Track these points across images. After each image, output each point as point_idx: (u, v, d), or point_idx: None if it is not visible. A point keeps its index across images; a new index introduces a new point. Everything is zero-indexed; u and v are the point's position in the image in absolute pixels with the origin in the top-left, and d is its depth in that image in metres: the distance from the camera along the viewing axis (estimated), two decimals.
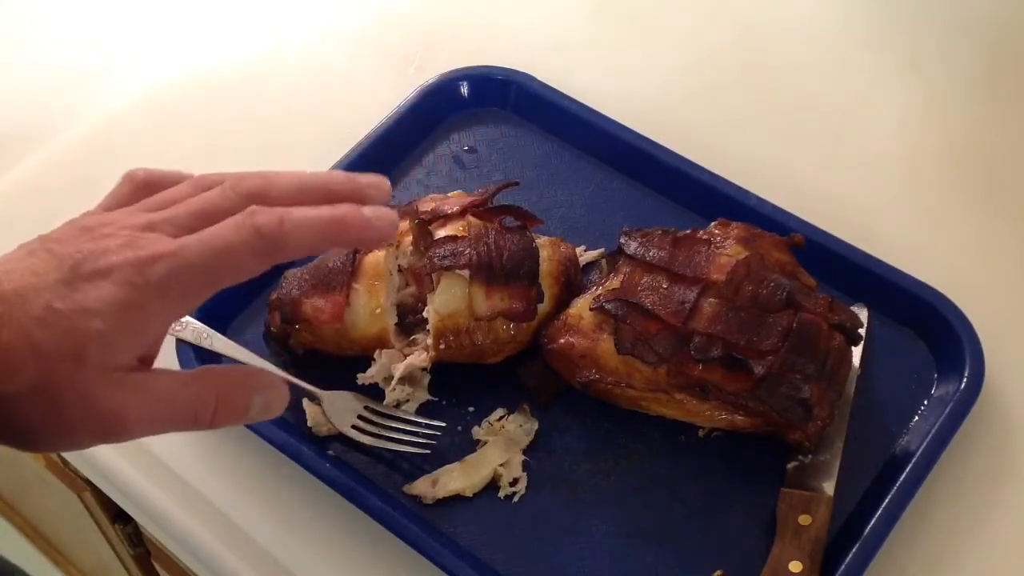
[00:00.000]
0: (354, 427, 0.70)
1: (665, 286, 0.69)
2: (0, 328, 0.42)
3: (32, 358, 0.42)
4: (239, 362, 0.72)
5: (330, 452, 0.70)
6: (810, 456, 0.69)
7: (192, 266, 0.44)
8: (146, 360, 0.47)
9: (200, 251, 0.45)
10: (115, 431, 0.44)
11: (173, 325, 0.72)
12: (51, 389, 0.42)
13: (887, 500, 0.66)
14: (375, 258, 0.72)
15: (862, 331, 0.70)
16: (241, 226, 0.45)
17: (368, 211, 0.47)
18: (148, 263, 0.44)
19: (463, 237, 0.71)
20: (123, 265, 0.44)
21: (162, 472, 0.71)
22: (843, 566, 0.63)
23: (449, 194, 0.77)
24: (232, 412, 0.48)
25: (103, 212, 0.49)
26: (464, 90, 0.88)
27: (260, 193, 0.48)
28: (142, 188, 0.51)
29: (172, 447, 0.72)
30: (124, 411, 0.44)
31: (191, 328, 0.72)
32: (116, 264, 0.44)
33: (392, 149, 0.85)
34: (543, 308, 0.72)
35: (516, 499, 0.69)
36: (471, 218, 0.73)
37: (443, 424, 0.71)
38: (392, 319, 0.72)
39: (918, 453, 0.68)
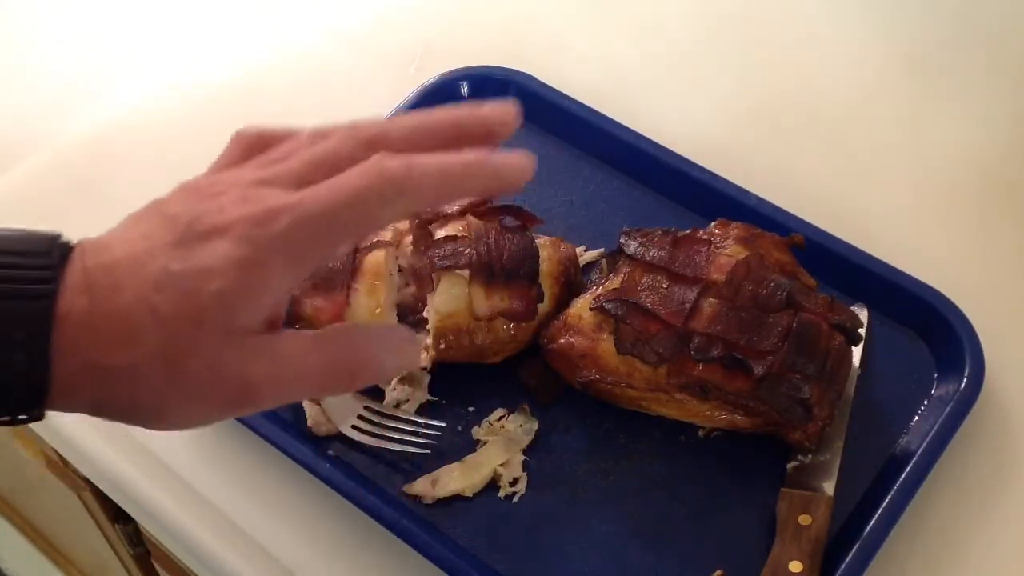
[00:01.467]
0: (354, 427, 0.70)
1: (665, 286, 0.69)
2: (119, 293, 0.40)
3: (152, 323, 0.40)
4: None
5: (330, 452, 0.70)
6: (810, 456, 0.69)
7: (316, 217, 0.41)
8: (272, 323, 0.43)
9: (324, 201, 0.42)
10: (244, 398, 0.42)
11: None
12: (173, 354, 0.40)
13: (887, 500, 0.66)
14: (375, 258, 0.72)
15: (862, 331, 0.70)
16: (366, 172, 0.42)
17: (497, 159, 0.44)
18: (268, 217, 0.41)
19: (463, 237, 0.71)
20: (240, 221, 0.41)
21: (162, 472, 0.71)
22: (843, 566, 0.63)
23: None
24: (364, 374, 0.45)
25: (214, 173, 0.46)
26: (464, 90, 0.88)
27: (381, 137, 0.44)
28: (254, 147, 0.48)
29: (172, 447, 0.72)
30: (252, 376, 0.42)
31: None
32: (233, 220, 0.41)
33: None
34: (543, 308, 0.72)
35: (516, 499, 0.69)
36: (471, 218, 0.73)
37: (443, 424, 0.71)
38: (392, 319, 0.72)
39: (918, 453, 0.68)
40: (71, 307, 0.40)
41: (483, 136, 0.45)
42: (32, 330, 0.40)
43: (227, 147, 0.48)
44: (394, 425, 0.70)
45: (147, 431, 0.66)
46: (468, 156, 0.44)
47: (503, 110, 0.46)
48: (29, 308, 0.40)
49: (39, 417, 0.41)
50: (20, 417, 0.41)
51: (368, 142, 0.44)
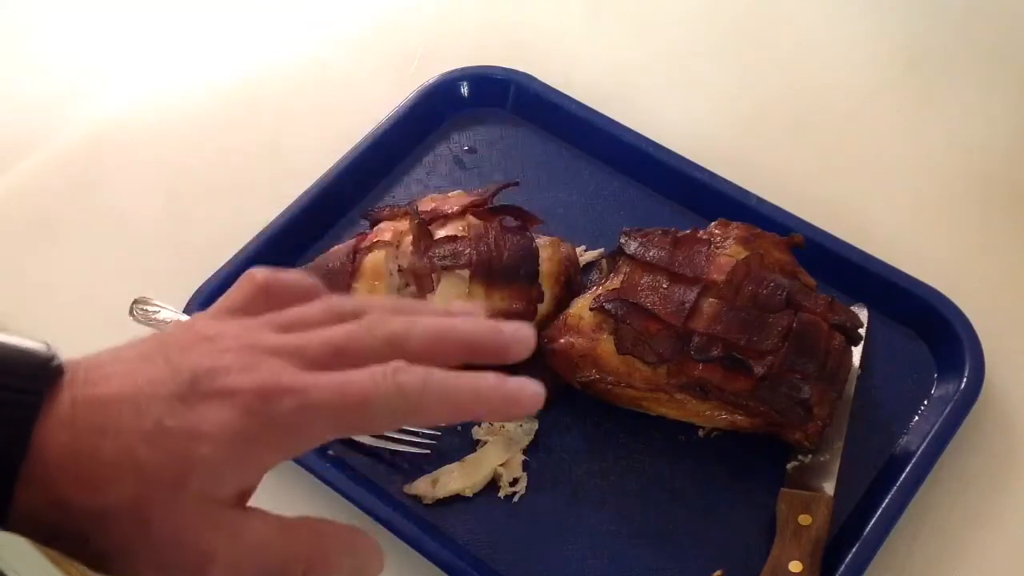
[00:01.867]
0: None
1: (665, 286, 0.69)
2: (104, 439, 0.39)
3: (132, 475, 0.39)
4: None
5: (330, 452, 0.70)
6: (810, 456, 0.69)
7: (320, 408, 0.41)
8: (244, 496, 0.43)
9: (333, 396, 0.41)
10: (197, 569, 0.40)
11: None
12: (144, 511, 0.39)
13: (887, 500, 0.66)
14: (375, 258, 0.72)
15: (862, 331, 0.70)
16: (381, 382, 0.41)
17: (511, 389, 0.43)
18: (273, 395, 0.40)
19: (463, 237, 0.71)
20: (246, 391, 0.40)
21: None
22: (843, 566, 0.63)
23: (449, 194, 0.77)
24: (323, 570, 0.43)
25: (223, 318, 0.45)
26: (464, 90, 0.88)
27: (400, 340, 0.43)
28: (262, 292, 0.46)
29: None
30: (212, 553, 0.40)
31: None
32: (238, 388, 0.40)
33: (392, 149, 0.85)
34: (543, 308, 0.72)
35: (516, 499, 0.69)
36: (471, 218, 0.73)
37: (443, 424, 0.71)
38: None
39: (918, 453, 0.68)
40: (49, 439, 0.39)
41: (499, 355, 0.45)
42: (5, 456, 0.38)
43: (236, 287, 0.46)
44: None
45: None
46: (482, 382, 0.43)
47: (524, 335, 0.46)
48: (2, 434, 0.39)
49: None
50: None
51: (388, 341, 0.43)
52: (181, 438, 0.40)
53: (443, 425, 0.71)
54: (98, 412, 0.40)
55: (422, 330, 0.44)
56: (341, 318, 0.44)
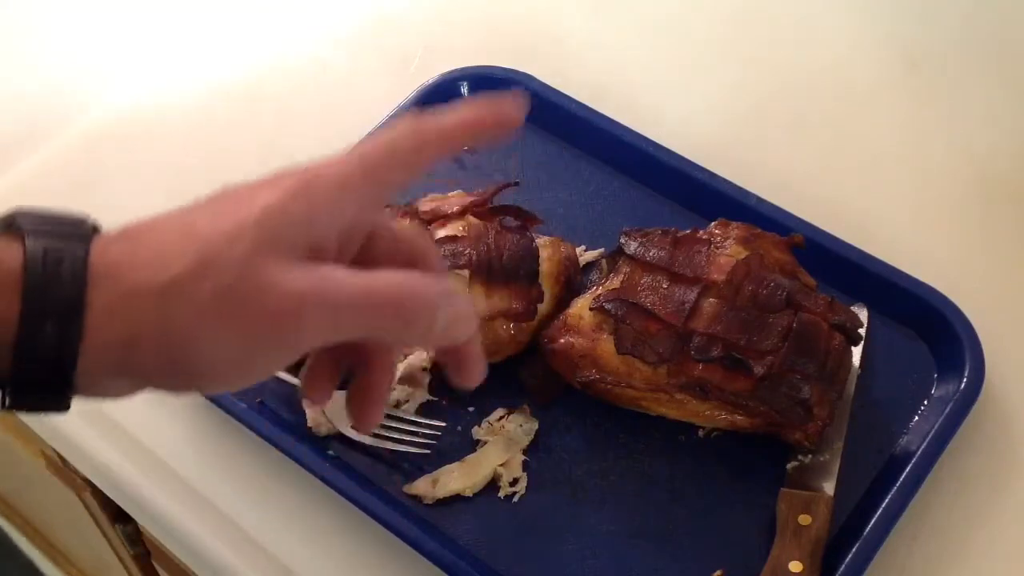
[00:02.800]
0: (354, 427, 0.70)
1: (665, 286, 0.69)
2: (156, 230, 0.40)
3: (192, 242, 0.39)
4: None
5: (330, 452, 0.70)
6: (810, 456, 0.69)
7: (380, 184, 0.43)
8: (317, 255, 0.41)
9: (362, 159, 0.43)
10: (287, 318, 0.38)
11: None
12: (212, 269, 0.38)
13: (887, 500, 0.66)
14: None
15: (862, 331, 0.70)
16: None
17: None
18: (316, 167, 0.42)
19: (463, 237, 0.71)
20: (292, 172, 0.42)
21: (162, 472, 0.71)
22: (843, 566, 0.63)
23: (449, 194, 0.77)
24: (417, 318, 0.41)
25: None
26: (464, 90, 0.88)
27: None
28: None
29: (172, 447, 0.72)
30: (299, 295, 0.39)
31: None
32: (287, 174, 0.42)
33: None
34: (543, 308, 0.72)
35: (516, 499, 0.69)
36: (471, 218, 0.73)
37: (443, 424, 0.71)
38: None
39: (918, 453, 0.68)
40: (107, 247, 0.39)
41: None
42: (70, 265, 0.38)
43: None
44: (394, 425, 0.70)
45: (148, 432, 0.66)
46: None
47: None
48: (67, 248, 0.38)
49: (70, 369, 0.38)
50: (49, 370, 0.38)
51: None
52: (238, 204, 0.40)
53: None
54: (154, 221, 0.41)
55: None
56: None
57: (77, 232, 0.40)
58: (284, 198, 0.40)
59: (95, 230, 0.41)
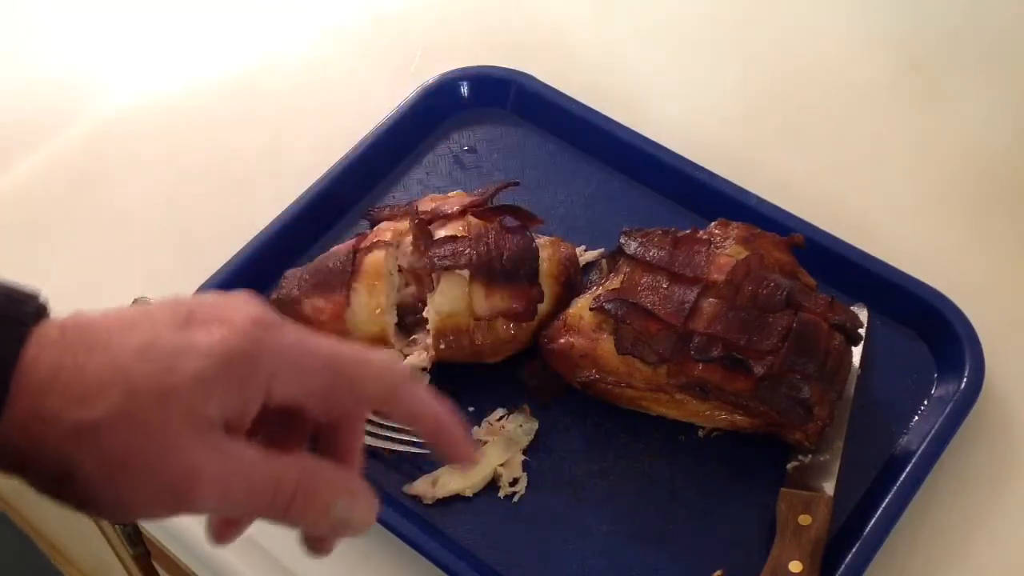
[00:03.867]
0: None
1: (665, 286, 0.69)
2: (93, 353, 0.39)
3: (119, 386, 0.39)
4: None
5: None
6: (810, 456, 0.69)
7: (313, 352, 0.42)
8: (233, 429, 0.42)
9: (328, 347, 0.43)
10: (184, 490, 0.39)
11: None
12: (130, 423, 0.38)
13: (887, 500, 0.66)
14: (375, 258, 0.72)
15: (862, 331, 0.70)
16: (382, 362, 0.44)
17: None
18: (271, 326, 0.41)
19: (463, 237, 0.71)
20: (243, 319, 0.41)
21: None
22: (843, 566, 0.63)
23: (449, 194, 0.77)
24: (311, 506, 0.42)
25: None
26: (464, 90, 0.88)
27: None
28: None
29: None
30: (198, 470, 0.39)
31: None
32: (236, 317, 0.41)
33: (392, 149, 0.85)
34: (543, 308, 0.72)
35: (516, 499, 0.69)
36: (471, 218, 0.73)
37: None
38: (392, 319, 0.72)
39: (918, 453, 0.68)
40: (38, 357, 0.39)
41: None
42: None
43: None
44: (394, 425, 0.70)
45: None
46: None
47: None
48: None
49: None
50: None
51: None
52: (172, 352, 0.39)
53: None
54: (88, 334, 0.40)
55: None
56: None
57: (16, 321, 0.39)
58: (222, 367, 0.40)
59: (38, 316, 0.40)
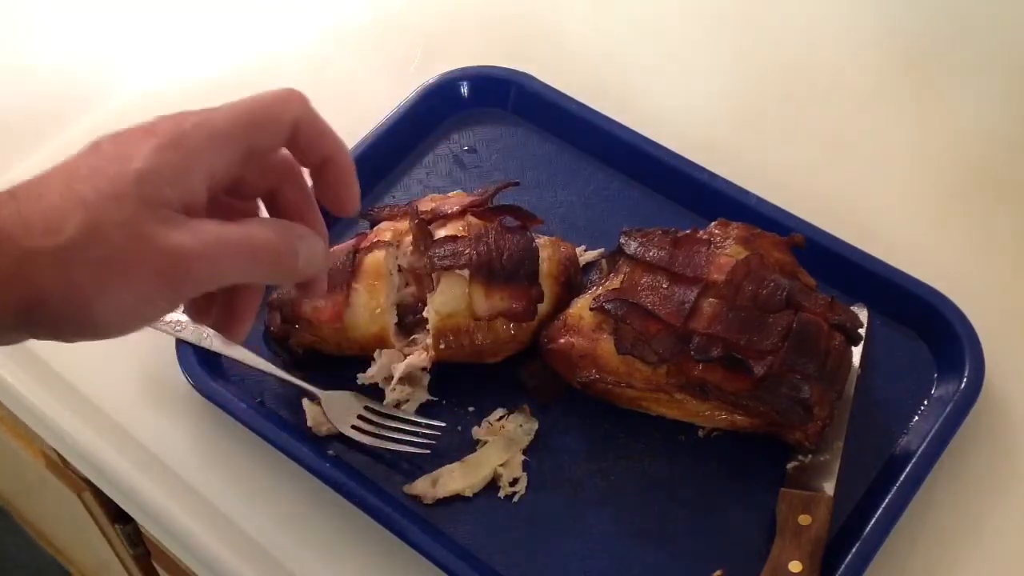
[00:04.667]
0: (354, 427, 0.70)
1: (665, 286, 0.69)
2: (45, 193, 0.43)
3: (78, 206, 0.42)
4: (239, 362, 0.72)
5: (330, 452, 0.70)
6: (810, 456, 0.69)
7: (234, 121, 0.46)
8: (192, 210, 0.45)
9: (241, 114, 0.47)
10: (174, 270, 0.43)
11: (173, 325, 0.72)
12: (100, 231, 0.42)
13: (887, 500, 0.66)
14: (375, 258, 0.72)
15: (862, 331, 0.70)
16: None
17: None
18: (180, 117, 0.46)
19: (463, 237, 0.71)
20: (156, 123, 0.45)
21: (162, 472, 0.71)
22: (843, 566, 0.63)
23: (449, 194, 0.77)
24: (284, 258, 0.47)
25: None
26: (464, 90, 0.88)
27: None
28: None
29: (172, 446, 0.72)
30: (181, 246, 0.43)
31: (191, 328, 0.72)
32: (161, 124, 0.45)
33: (392, 149, 0.85)
34: (543, 308, 0.72)
35: (516, 499, 0.69)
36: (471, 218, 0.73)
37: (443, 424, 0.71)
38: (392, 319, 0.72)
39: (918, 453, 0.68)
40: None
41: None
42: None
43: None
44: (394, 425, 0.70)
45: (148, 432, 0.66)
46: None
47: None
48: None
49: None
50: None
51: None
52: (113, 163, 0.43)
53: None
54: (37, 183, 0.44)
55: None
56: None
57: None
58: (157, 157, 0.44)
59: None
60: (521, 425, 0.71)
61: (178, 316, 0.72)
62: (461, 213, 0.73)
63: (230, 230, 0.45)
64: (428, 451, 0.70)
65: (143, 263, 0.42)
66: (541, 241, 0.73)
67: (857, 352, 0.73)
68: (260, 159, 0.49)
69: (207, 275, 0.44)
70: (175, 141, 0.44)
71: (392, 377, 0.71)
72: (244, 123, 0.47)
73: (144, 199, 0.43)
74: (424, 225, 0.72)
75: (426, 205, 0.75)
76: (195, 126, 0.45)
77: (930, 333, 0.75)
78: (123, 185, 0.43)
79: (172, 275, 0.43)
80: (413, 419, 0.71)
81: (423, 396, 0.73)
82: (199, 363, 0.72)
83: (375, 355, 0.72)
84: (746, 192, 0.80)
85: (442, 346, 0.71)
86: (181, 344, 0.72)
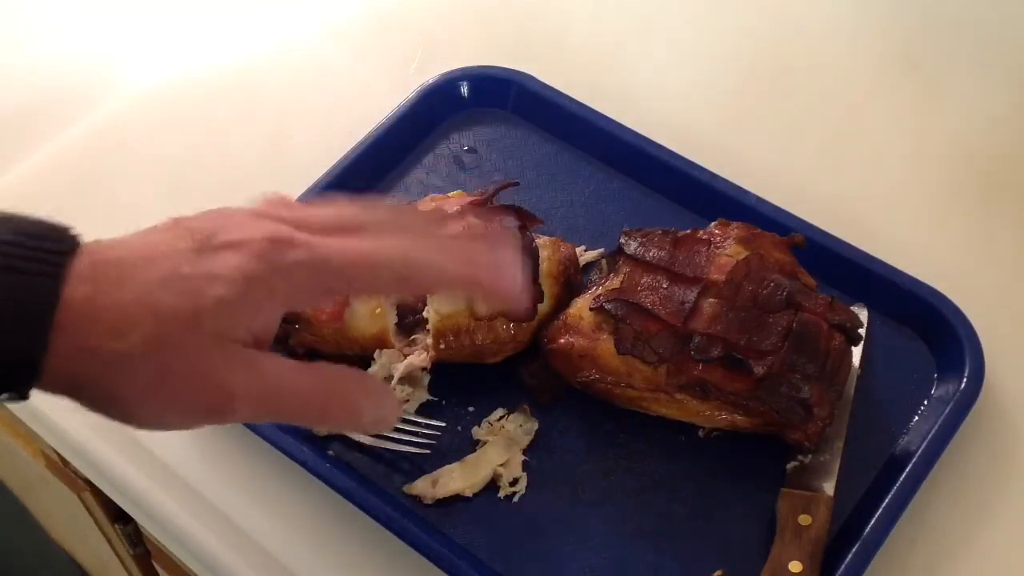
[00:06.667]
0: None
1: (665, 286, 0.69)
2: (122, 286, 0.42)
3: (149, 317, 0.42)
4: None
5: (330, 452, 0.70)
6: (810, 456, 0.69)
7: (326, 262, 0.44)
8: (259, 343, 0.45)
9: (341, 253, 0.45)
10: (220, 406, 0.43)
11: None
12: (162, 350, 0.42)
13: (887, 500, 0.66)
14: None
15: (862, 331, 0.70)
16: (392, 251, 0.45)
17: (488, 273, 0.48)
18: (286, 244, 0.44)
19: None
20: (257, 241, 0.44)
21: (162, 472, 0.71)
22: (843, 566, 0.63)
23: (449, 194, 0.77)
24: (343, 411, 0.46)
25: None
26: (464, 90, 0.88)
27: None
28: (277, 204, 0.50)
29: (172, 447, 0.72)
30: (232, 385, 0.43)
31: None
32: (252, 238, 0.44)
33: (392, 149, 0.85)
34: (543, 308, 0.72)
35: (516, 499, 0.69)
36: (471, 218, 0.73)
37: (443, 424, 0.71)
38: (392, 319, 0.72)
39: (918, 453, 0.68)
40: (75, 293, 0.41)
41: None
42: (37, 307, 0.41)
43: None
44: (394, 425, 0.70)
45: (148, 432, 0.66)
46: (475, 258, 0.48)
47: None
48: (37, 286, 0.41)
49: (22, 397, 0.42)
50: (3, 394, 0.42)
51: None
52: (195, 281, 0.43)
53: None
54: (116, 268, 0.43)
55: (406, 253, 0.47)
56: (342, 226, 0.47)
57: (51, 258, 0.42)
58: (242, 290, 0.43)
59: (71, 251, 0.42)
60: (521, 425, 0.71)
61: None
62: (461, 213, 0.73)
63: (292, 379, 0.45)
64: (428, 451, 0.70)
65: (195, 396, 0.43)
66: (541, 241, 0.73)
67: (857, 352, 0.73)
68: None
69: (249, 413, 0.44)
70: (265, 276, 0.43)
71: (392, 377, 0.71)
72: (345, 281, 0.46)
73: (216, 333, 0.43)
74: None
75: (426, 205, 0.75)
76: (292, 262, 0.44)
77: (930, 333, 0.75)
78: (199, 310, 0.42)
79: (219, 412, 0.43)
80: (413, 419, 0.71)
81: (423, 396, 0.73)
82: None
83: (375, 355, 0.72)
84: (746, 192, 0.80)
85: (442, 346, 0.71)
86: None
